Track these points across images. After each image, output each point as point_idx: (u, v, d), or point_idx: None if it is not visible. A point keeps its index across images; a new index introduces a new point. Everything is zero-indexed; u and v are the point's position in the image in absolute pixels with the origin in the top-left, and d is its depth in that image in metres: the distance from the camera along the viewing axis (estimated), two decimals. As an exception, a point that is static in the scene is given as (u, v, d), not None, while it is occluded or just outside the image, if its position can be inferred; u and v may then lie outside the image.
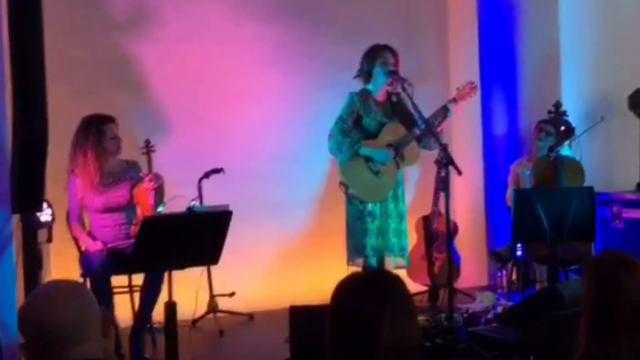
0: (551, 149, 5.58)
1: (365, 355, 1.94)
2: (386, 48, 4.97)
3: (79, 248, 4.79)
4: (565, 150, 5.70)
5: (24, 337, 1.92)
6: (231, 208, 4.16)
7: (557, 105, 5.70)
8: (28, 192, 3.41)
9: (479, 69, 6.52)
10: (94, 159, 4.60)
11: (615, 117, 6.31)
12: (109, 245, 4.62)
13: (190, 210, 4.08)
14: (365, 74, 4.99)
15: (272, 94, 6.05)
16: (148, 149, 4.68)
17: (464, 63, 6.56)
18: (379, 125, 4.98)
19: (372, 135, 4.97)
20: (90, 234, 4.71)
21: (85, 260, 4.64)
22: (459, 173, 4.60)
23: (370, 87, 5.01)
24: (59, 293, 1.93)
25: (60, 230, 4.98)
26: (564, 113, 5.66)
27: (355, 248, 4.99)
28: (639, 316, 2.37)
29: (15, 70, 3.35)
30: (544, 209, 4.81)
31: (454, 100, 4.96)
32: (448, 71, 6.62)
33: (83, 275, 4.68)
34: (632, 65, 6.47)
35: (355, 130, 4.94)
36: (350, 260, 5.00)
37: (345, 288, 2.06)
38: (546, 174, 5.51)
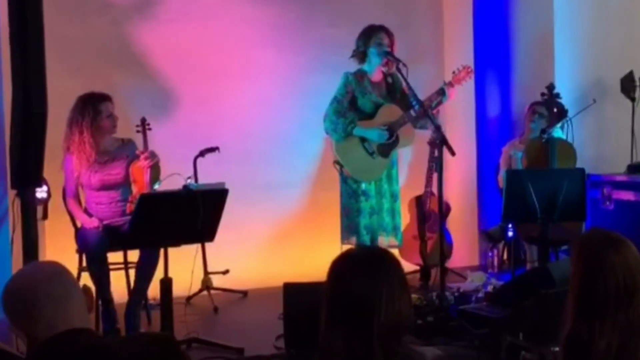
0: (543, 131, 5.63)
1: (360, 331, 1.99)
2: (381, 29, 5.00)
3: (74, 225, 4.84)
4: (557, 132, 5.75)
5: (8, 314, 1.99)
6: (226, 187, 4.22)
7: (550, 87, 5.73)
8: (27, 168, 3.45)
9: (473, 51, 6.55)
10: (90, 137, 4.63)
11: (607, 99, 6.36)
12: (105, 222, 4.66)
13: (186, 187, 4.12)
14: (360, 54, 5.02)
15: (268, 74, 6.08)
16: (144, 127, 4.71)
17: (459, 45, 6.59)
18: (374, 106, 5.02)
19: (368, 115, 5.01)
20: (86, 211, 4.75)
21: (81, 237, 4.69)
22: (452, 154, 4.64)
23: (365, 67, 5.04)
24: (40, 271, 2.02)
25: (55, 207, 5.03)
26: (557, 95, 5.70)
27: (348, 227, 5.05)
28: (624, 294, 2.41)
29: (15, 48, 3.38)
30: (535, 190, 4.86)
31: (450, 84, 4.99)
32: (443, 52, 6.65)
33: (79, 251, 4.74)
34: (625, 48, 6.52)
35: (351, 110, 4.98)
36: (344, 239, 5.06)
37: (339, 265, 2.11)
38: (538, 155, 5.56)
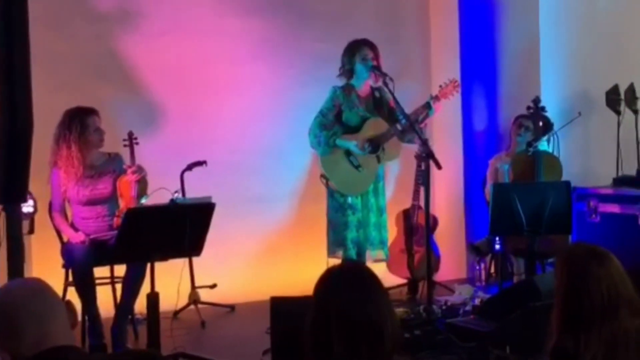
0: (529, 144, 5.66)
1: (347, 350, 1.98)
2: (365, 43, 5.02)
3: (61, 240, 4.82)
4: (543, 146, 5.78)
5: None
6: (213, 201, 4.21)
7: (536, 101, 5.77)
8: (13, 183, 3.43)
9: (459, 65, 6.59)
10: (78, 151, 4.62)
11: (593, 113, 6.41)
12: (91, 237, 4.65)
13: (173, 202, 4.11)
14: (347, 71, 5.05)
15: (256, 88, 6.09)
16: (131, 141, 4.71)
17: (445, 58, 6.63)
18: (361, 120, 5.05)
19: (354, 129, 5.03)
20: (72, 226, 4.73)
21: (67, 251, 4.67)
22: (439, 167, 4.66)
23: (353, 82, 5.07)
24: (22, 289, 2.01)
25: (41, 222, 5.00)
26: (543, 109, 5.73)
27: (335, 241, 5.06)
28: (608, 307, 2.43)
29: (1, 63, 3.37)
30: (522, 203, 4.89)
31: (437, 97, 5.02)
32: (429, 67, 6.69)
33: (65, 266, 4.72)
34: (610, 62, 6.57)
35: (337, 124, 5.00)
36: (331, 252, 5.07)
37: (323, 283, 2.11)
38: (524, 168, 5.60)
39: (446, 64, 6.53)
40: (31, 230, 5.08)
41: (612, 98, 6.41)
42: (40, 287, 2.00)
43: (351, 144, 4.98)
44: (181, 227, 4.09)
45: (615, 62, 6.58)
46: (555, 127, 5.91)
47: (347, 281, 2.05)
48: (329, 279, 2.09)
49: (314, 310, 2.06)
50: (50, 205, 4.79)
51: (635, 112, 6.41)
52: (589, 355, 2.41)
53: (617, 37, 6.64)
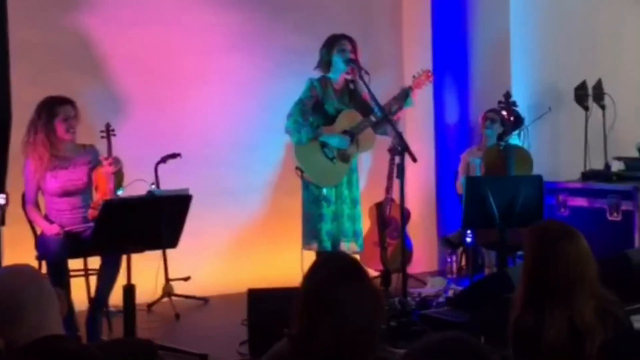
0: (500, 138, 5.74)
1: (333, 338, 2.00)
2: (344, 37, 5.05)
3: (34, 232, 4.78)
4: (514, 140, 5.86)
5: None
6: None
7: (507, 95, 5.84)
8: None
9: (431, 59, 6.64)
10: (44, 137, 4.57)
11: (562, 108, 6.52)
12: (66, 229, 4.61)
13: (151, 193, 4.11)
14: (325, 63, 5.07)
15: (231, 80, 6.08)
16: (109, 132, 4.67)
17: (418, 52, 6.68)
18: (336, 112, 5.07)
19: (330, 121, 5.05)
20: (46, 218, 4.69)
21: (41, 243, 4.63)
22: (414, 160, 4.70)
23: (330, 75, 5.09)
24: (21, 276, 1.98)
25: (13, 214, 4.95)
26: (514, 103, 5.81)
27: (310, 233, 5.07)
28: (572, 286, 2.49)
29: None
30: (494, 196, 4.96)
31: (410, 88, 5.06)
32: (402, 60, 6.73)
33: (39, 258, 4.67)
34: (579, 58, 6.69)
35: (314, 115, 5.02)
36: (306, 244, 5.07)
37: (311, 274, 2.13)
38: (496, 162, 5.66)
39: (418, 57, 6.58)
40: (2, 222, 5.03)
41: (580, 94, 6.52)
42: (37, 275, 1.99)
43: (334, 140, 4.99)
44: (158, 219, 4.09)
45: (583, 59, 6.70)
46: (526, 122, 5.99)
47: (339, 272, 2.06)
48: (321, 270, 2.10)
49: (303, 299, 2.07)
50: (24, 197, 4.73)
51: (602, 107, 6.53)
52: (553, 332, 2.46)
53: (586, 34, 6.76)
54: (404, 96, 5.01)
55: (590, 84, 6.51)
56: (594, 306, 2.52)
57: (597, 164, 6.41)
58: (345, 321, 1.99)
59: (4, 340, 1.89)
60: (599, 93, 6.52)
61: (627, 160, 6.29)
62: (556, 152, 6.61)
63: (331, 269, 2.10)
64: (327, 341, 1.99)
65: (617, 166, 6.29)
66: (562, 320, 2.48)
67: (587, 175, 6.23)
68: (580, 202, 6.01)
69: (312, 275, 2.13)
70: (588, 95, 6.52)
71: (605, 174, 6.14)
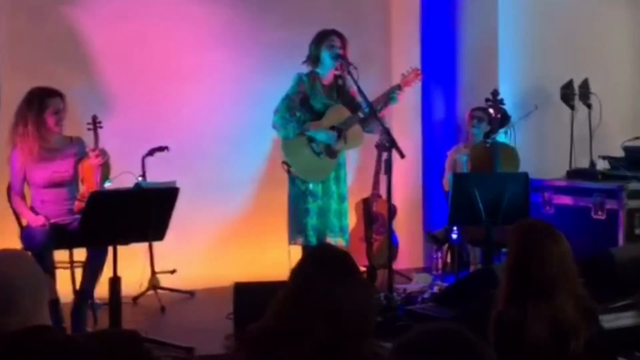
0: (487, 136, 5.76)
1: (326, 332, 1.99)
2: (333, 33, 5.05)
3: (19, 223, 4.75)
4: (500, 137, 5.89)
5: None
6: (176, 185, 4.21)
7: (495, 93, 5.87)
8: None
9: (420, 55, 6.66)
10: (34, 130, 4.56)
11: (548, 106, 6.54)
12: (51, 220, 4.60)
13: (138, 186, 4.10)
14: (313, 58, 5.07)
15: (217, 75, 6.07)
16: (95, 124, 4.66)
17: (406, 49, 6.69)
18: (324, 107, 5.08)
19: (318, 116, 5.06)
20: (32, 209, 4.67)
21: (27, 235, 4.61)
22: (402, 156, 4.72)
23: (318, 70, 5.09)
24: (17, 261, 1.95)
25: (-3, 205, 4.93)
26: (501, 101, 5.83)
27: (296, 227, 5.07)
28: (554, 284, 2.55)
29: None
30: (481, 193, 4.98)
31: (399, 86, 5.07)
32: (390, 56, 6.74)
33: (24, 250, 4.65)
34: (565, 57, 6.71)
35: (301, 110, 5.02)
36: (292, 239, 5.07)
37: (302, 269, 2.12)
38: (482, 159, 5.69)
39: (407, 54, 6.59)
40: (-13, 213, 5.01)
41: (567, 93, 6.55)
42: (33, 261, 1.97)
43: (321, 135, 5.00)
44: (145, 211, 4.08)
45: (570, 58, 6.73)
46: (513, 120, 6.02)
47: (333, 267, 2.06)
48: (313, 264, 2.10)
49: (294, 295, 2.06)
50: (9, 187, 4.71)
51: (588, 106, 6.55)
52: (535, 327, 2.51)
53: (573, 33, 6.79)
54: (390, 95, 5.02)
55: (576, 83, 6.54)
56: (575, 304, 2.58)
57: (583, 163, 6.45)
58: (339, 316, 1.98)
59: None
60: (585, 92, 6.55)
61: (612, 160, 6.32)
62: (542, 150, 6.64)
63: (323, 264, 2.09)
64: (321, 337, 1.98)
65: (602, 165, 6.33)
66: (544, 318, 2.53)
67: (573, 174, 6.27)
68: (566, 200, 6.05)
69: (303, 270, 2.11)
70: (574, 94, 6.55)
71: (590, 173, 6.17)
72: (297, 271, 2.09)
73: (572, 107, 6.54)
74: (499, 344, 2.56)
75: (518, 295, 2.57)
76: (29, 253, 2.07)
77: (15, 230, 4.74)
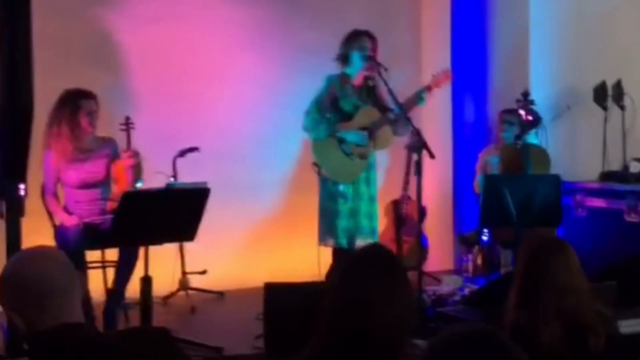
0: (518, 137, 5.72)
1: (361, 335, 1.97)
2: (365, 34, 5.04)
3: (53, 223, 4.81)
4: (532, 139, 5.84)
5: (11, 300, 1.91)
6: (207, 186, 4.23)
7: (526, 94, 5.82)
8: (13, 163, 3.43)
9: (450, 56, 6.63)
10: (68, 130, 4.62)
11: (581, 108, 6.47)
12: (84, 220, 4.65)
13: (169, 186, 4.13)
14: (343, 58, 5.07)
15: (247, 77, 6.10)
16: (128, 125, 4.71)
17: (436, 49, 6.67)
18: (354, 108, 5.07)
19: (348, 117, 5.06)
20: (65, 209, 4.73)
21: (60, 234, 4.66)
22: (432, 157, 4.69)
23: (348, 71, 5.09)
24: (47, 258, 1.96)
25: (32, 205, 4.97)
26: (532, 102, 5.79)
27: (326, 229, 5.07)
28: (562, 291, 2.61)
29: (3, 42, 3.37)
30: (512, 195, 4.93)
31: (429, 87, 5.05)
32: (420, 57, 6.73)
33: (58, 249, 4.70)
34: (598, 58, 6.64)
35: (332, 111, 5.03)
36: (322, 240, 5.07)
37: (350, 271, 2.10)
38: (513, 161, 5.64)
39: (437, 55, 6.57)
40: (22, 213, 5.06)
41: (600, 94, 6.47)
42: (65, 260, 1.98)
43: (352, 136, 5.00)
44: (177, 212, 4.11)
45: (603, 59, 6.65)
46: (544, 121, 5.97)
47: (381, 270, 2.03)
48: (361, 267, 2.07)
49: (341, 298, 2.03)
50: (43, 188, 4.77)
51: (621, 108, 6.47)
52: (547, 332, 2.55)
53: (605, 34, 6.71)
54: (419, 97, 5.00)
55: (609, 84, 6.47)
56: (587, 308, 2.63)
57: (616, 165, 6.37)
58: (381, 320, 1.96)
59: (24, 323, 1.89)
60: (618, 93, 6.47)
61: (645, 162, 6.25)
62: (574, 152, 6.57)
63: (372, 266, 2.06)
64: (360, 339, 1.95)
65: (635, 167, 6.25)
66: (557, 317, 2.58)
67: (605, 176, 6.20)
68: (598, 202, 5.98)
69: (352, 272, 2.08)
70: (607, 95, 6.47)
71: (623, 175, 6.10)
72: (344, 275, 2.07)
73: (605, 109, 6.47)
74: None
75: (527, 302, 2.63)
76: (62, 251, 2.08)
77: (49, 230, 4.80)
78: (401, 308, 1.98)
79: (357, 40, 5.02)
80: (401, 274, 2.04)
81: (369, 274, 2.01)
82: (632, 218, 5.71)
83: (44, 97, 4.64)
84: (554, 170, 5.65)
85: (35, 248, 2.05)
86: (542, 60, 6.55)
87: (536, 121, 5.88)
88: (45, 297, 1.87)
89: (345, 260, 2.10)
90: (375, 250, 2.16)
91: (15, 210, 3.55)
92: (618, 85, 6.49)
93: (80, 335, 1.87)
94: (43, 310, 1.87)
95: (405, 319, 1.98)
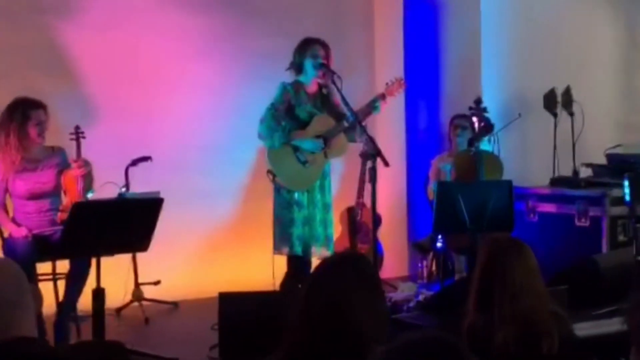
0: (471, 144, 5.77)
1: (334, 339, 1.97)
2: (317, 41, 5.04)
3: (1, 234, 4.71)
4: (484, 145, 5.90)
5: None
6: (160, 196, 4.18)
7: (478, 101, 5.88)
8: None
9: (403, 64, 6.67)
10: (17, 141, 4.54)
11: (531, 115, 6.57)
12: (34, 232, 4.56)
13: (121, 196, 4.07)
14: (296, 66, 5.06)
15: (201, 84, 6.06)
16: (78, 134, 4.64)
17: (389, 57, 6.71)
18: (309, 116, 5.06)
19: (303, 125, 5.05)
20: (14, 220, 4.63)
21: (9, 246, 4.57)
22: (386, 164, 4.70)
23: (301, 78, 5.08)
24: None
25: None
26: (484, 109, 5.85)
27: (281, 237, 5.04)
28: (518, 293, 2.64)
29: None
30: (465, 201, 4.97)
31: (383, 95, 5.07)
32: (374, 64, 6.75)
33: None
34: (548, 65, 6.76)
35: (286, 119, 5.01)
36: (277, 249, 5.04)
37: (319, 273, 2.10)
38: (466, 167, 5.69)
39: (390, 63, 6.61)
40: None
41: (549, 101, 6.59)
42: (18, 272, 1.93)
43: (307, 144, 4.99)
44: (129, 222, 4.05)
45: (552, 66, 6.77)
46: (496, 128, 6.04)
47: (356, 275, 2.03)
48: (336, 272, 2.06)
49: (318, 303, 2.02)
50: (-10, 199, 4.67)
51: (571, 114, 6.60)
52: (501, 334, 2.59)
53: (555, 41, 6.83)
54: (373, 105, 5.03)
55: (559, 91, 6.58)
56: (541, 309, 2.67)
57: (566, 171, 6.48)
58: (353, 324, 1.97)
59: None
60: (567, 100, 6.60)
61: (595, 167, 6.36)
62: (525, 158, 6.67)
63: (346, 271, 2.06)
64: (329, 343, 1.96)
65: (585, 172, 6.36)
66: (510, 320, 2.61)
67: (556, 181, 6.30)
68: (549, 207, 6.07)
69: (327, 277, 2.08)
70: (557, 102, 6.59)
71: (573, 180, 6.20)
72: (318, 281, 2.06)
73: (554, 115, 6.58)
74: (473, 352, 2.62)
75: (484, 305, 2.66)
76: (11, 261, 2.02)
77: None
78: (375, 312, 1.98)
79: (309, 48, 5.02)
80: (375, 280, 2.05)
81: (344, 278, 2.01)
82: (582, 223, 5.80)
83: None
84: (506, 176, 5.72)
85: None
86: (493, 67, 6.64)
87: (488, 128, 5.94)
88: None
89: (321, 264, 2.10)
90: (350, 255, 2.16)
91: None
92: (567, 92, 6.61)
93: (31, 350, 1.82)
94: None
95: (377, 323, 1.98)
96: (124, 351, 1.94)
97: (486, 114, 5.85)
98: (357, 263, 2.09)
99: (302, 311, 2.00)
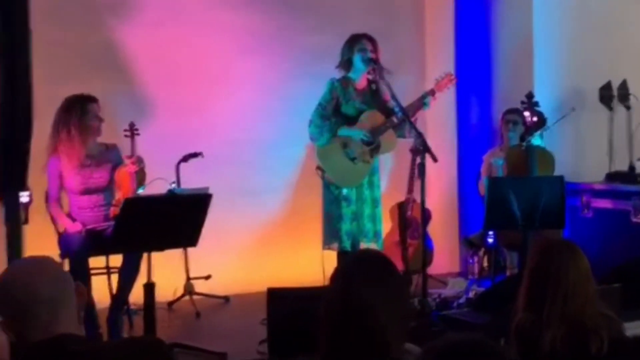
0: (522, 139, 5.69)
1: (362, 336, 1.97)
2: (365, 36, 5.04)
3: (57, 229, 4.81)
4: (536, 140, 5.81)
5: (2, 313, 1.89)
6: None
7: (530, 95, 5.80)
8: (13, 172, 3.43)
9: (454, 59, 6.61)
10: (78, 135, 4.62)
11: (586, 109, 6.44)
12: (88, 227, 4.65)
13: (171, 192, 4.12)
14: (345, 62, 5.06)
15: (251, 81, 6.09)
16: (132, 131, 4.72)
17: (440, 52, 6.65)
18: (358, 112, 5.06)
19: (351, 121, 5.05)
20: (69, 215, 4.73)
21: (64, 241, 4.67)
22: (435, 160, 4.69)
23: (351, 74, 5.08)
24: (36, 268, 1.93)
25: (35, 212, 4.98)
26: (536, 104, 5.76)
27: (330, 232, 5.07)
28: (570, 295, 2.62)
29: (2, 50, 3.37)
30: (517, 197, 4.91)
31: (432, 91, 5.04)
32: (424, 60, 6.71)
33: (62, 256, 4.70)
34: (603, 58, 6.61)
35: (335, 116, 5.02)
36: (326, 244, 5.07)
37: (346, 270, 2.11)
38: (518, 163, 5.62)
39: (441, 58, 6.55)
40: (25, 221, 5.05)
41: (605, 94, 6.46)
42: (56, 270, 1.96)
43: (355, 133, 5.00)
44: (178, 217, 4.11)
45: (608, 59, 6.62)
46: (549, 122, 5.94)
47: (374, 272, 2.04)
48: (353, 269, 2.07)
49: (339, 300, 2.03)
50: (47, 194, 4.77)
51: (627, 108, 6.46)
52: (549, 334, 2.57)
53: (611, 34, 6.68)
54: (422, 100, 5.00)
55: (615, 85, 6.45)
56: (592, 310, 2.65)
57: (622, 165, 6.34)
58: (374, 322, 1.97)
59: (13, 334, 1.87)
60: (624, 93, 6.46)
61: (652, 162, 6.21)
62: (580, 153, 6.54)
63: (364, 269, 2.07)
64: (351, 340, 1.96)
65: (642, 167, 6.22)
66: (560, 320, 2.59)
67: (612, 177, 6.18)
68: (605, 203, 5.95)
69: (345, 275, 2.09)
70: (613, 95, 6.46)
71: (630, 175, 6.07)
72: (337, 278, 2.08)
73: (610, 109, 6.45)
74: (521, 351, 2.62)
75: (535, 304, 2.65)
76: (53, 259, 2.06)
77: (53, 237, 4.80)
78: (395, 311, 1.97)
79: (357, 43, 5.01)
80: (395, 277, 2.04)
81: (363, 277, 2.01)
82: (638, 219, 5.67)
83: (46, 105, 4.65)
84: (559, 171, 5.62)
85: (28, 257, 2.03)
86: (546, 61, 6.52)
87: (541, 122, 5.85)
88: (30, 307, 1.84)
89: (341, 264, 2.10)
90: (369, 254, 2.16)
91: (15, 219, 3.53)
92: (623, 86, 6.47)
93: (70, 347, 1.84)
94: (29, 321, 1.83)
95: (399, 322, 1.97)
96: (164, 348, 1.95)
97: (538, 108, 5.76)
98: (375, 260, 2.09)
99: (327, 310, 2.00)
